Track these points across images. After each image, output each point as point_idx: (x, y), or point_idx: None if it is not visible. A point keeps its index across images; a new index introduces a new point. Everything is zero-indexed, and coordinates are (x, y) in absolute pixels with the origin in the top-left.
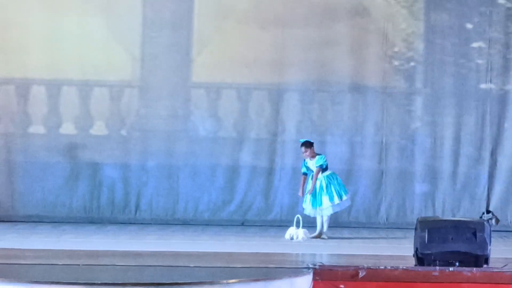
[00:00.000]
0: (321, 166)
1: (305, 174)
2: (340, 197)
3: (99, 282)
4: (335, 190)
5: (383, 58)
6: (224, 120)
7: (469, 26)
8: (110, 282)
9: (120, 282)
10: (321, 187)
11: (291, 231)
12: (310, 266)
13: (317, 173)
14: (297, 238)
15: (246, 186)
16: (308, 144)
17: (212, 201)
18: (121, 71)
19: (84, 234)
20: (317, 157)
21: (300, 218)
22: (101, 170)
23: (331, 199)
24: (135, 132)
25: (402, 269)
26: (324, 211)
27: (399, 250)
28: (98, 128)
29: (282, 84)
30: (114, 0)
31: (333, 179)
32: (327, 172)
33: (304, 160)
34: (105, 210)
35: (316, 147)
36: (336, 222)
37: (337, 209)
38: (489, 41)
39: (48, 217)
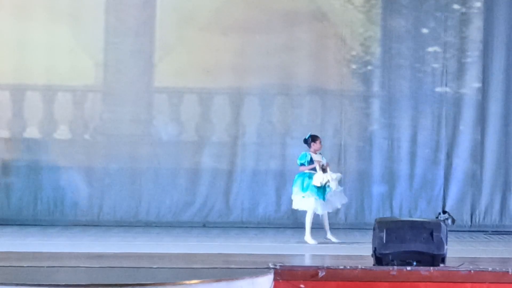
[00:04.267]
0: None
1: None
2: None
3: (63, 283)
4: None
5: (341, 62)
6: (186, 124)
7: (425, 31)
8: (74, 283)
9: (83, 284)
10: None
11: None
12: (271, 266)
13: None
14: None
15: (207, 188)
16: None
17: (174, 203)
18: (84, 76)
19: (48, 236)
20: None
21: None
22: (65, 174)
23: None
24: (98, 136)
25: (361, 268)
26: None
27: (358, 250)
28: (62, 132)
29: (243, 89)
30: (78, 7)
31: None
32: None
33: (309, 153)
34: (69, 212)
35: (276, 150)
36: (296, 223)
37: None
38: (444, 46)
39: (12, 219)
